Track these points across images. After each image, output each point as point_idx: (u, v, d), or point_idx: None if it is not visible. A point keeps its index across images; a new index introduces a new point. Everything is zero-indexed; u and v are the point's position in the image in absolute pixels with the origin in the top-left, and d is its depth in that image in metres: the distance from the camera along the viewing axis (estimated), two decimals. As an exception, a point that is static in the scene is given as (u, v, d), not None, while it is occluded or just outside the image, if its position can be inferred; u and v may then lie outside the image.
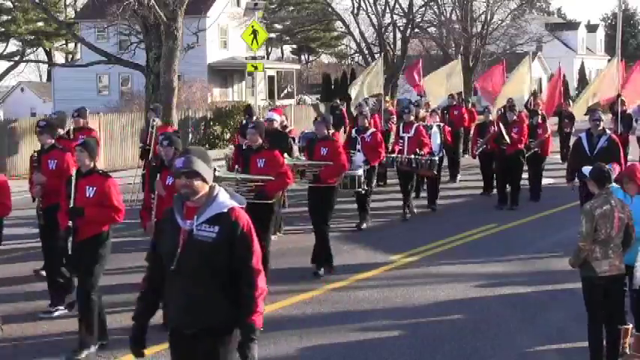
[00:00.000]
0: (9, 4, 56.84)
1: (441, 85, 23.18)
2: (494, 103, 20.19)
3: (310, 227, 13.83)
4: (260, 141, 9.78)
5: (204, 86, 40.20)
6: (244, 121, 16.05)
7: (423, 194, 16.93)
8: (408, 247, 12.54)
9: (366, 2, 43.35)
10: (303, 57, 72.83)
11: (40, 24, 57.83)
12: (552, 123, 22.76)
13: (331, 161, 10.97)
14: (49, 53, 62.52)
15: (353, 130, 14.99)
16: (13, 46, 62.33)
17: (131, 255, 11.90)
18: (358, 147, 14.19)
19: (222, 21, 40.10)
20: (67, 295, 9.32)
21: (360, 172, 13.70)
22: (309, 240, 13.13)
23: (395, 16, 43.88)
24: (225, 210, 4.84)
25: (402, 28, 43.78)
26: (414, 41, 47.56)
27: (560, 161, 22.16)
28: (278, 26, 57.02)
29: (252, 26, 24.43)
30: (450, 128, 18.72)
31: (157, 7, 24.51)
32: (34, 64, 68.49)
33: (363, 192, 13.94)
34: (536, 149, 17.08)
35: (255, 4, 26.17)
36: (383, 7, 43.51)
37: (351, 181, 13.53)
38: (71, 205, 7.75)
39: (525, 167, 16.96)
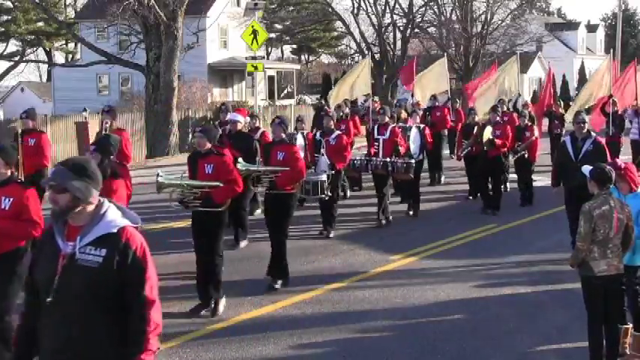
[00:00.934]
0: (9, 4, 56.88)
1: (428, 85, 23.00)
2: (474, 104, 19.98)
3: (307, 225, 13.94)
4: (209, 145, 9.21)
5: (204, 86, 40.23)
6: (221, 116, 15.19)
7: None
8: (408, 247, 12.54)
9: (366, 2, 43.41)
10: (303, 57, 72.85)
11: (40, 24, 57.92)
12: (544, 124, 22.69)
13: (288, 167, 10.27)
14: (49, 53, 62.57)
15: (317, 133, 14.29)
16: (13, 46, 62.51)
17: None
18: (322, 150, 13.50)
19: (222, 21, 40.14)
20: None
21: (324, 177, 12.81)
22: (306, 239, 13.16)
23: (395, 16, 43.97)
24: (115, 230, 4.11)
25: (402, 28, 43.84)
26: (414, 41, 47.60)
27: (551, 163, 22.04)
28: (278, 26, 57.00)
29: (252, 26, 24.47)
30: (430, 130, 17.83)
31: (157, 7, 24.55)
32: (34, 64, 68.57)
33: (326, 198, 12.99)
34: (523, 152, 16.53)
35: (255, 4, 26.20)
36: (383, 7, 43.58)
37: (314, 187, 12.70)
38: None
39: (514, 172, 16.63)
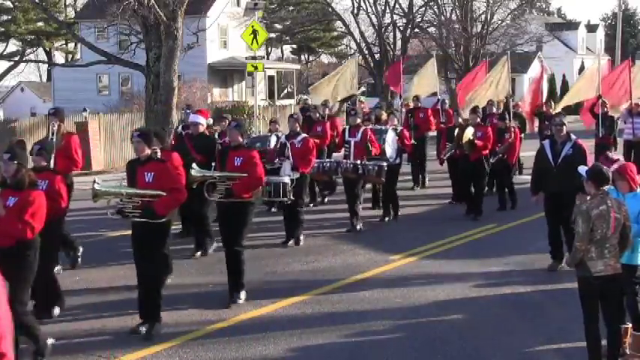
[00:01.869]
0: (9, 4, 56.92)
1: (421, 85, 22.81)
2: (462, 104, 19.77)
3: (310, 229, 13.93)
4: (148, 151, 8.42)
5: (204, 86, 40.27)
6: (183, 114, 14.71)
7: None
8: (408, 247, 12.55)
9: (366, 2, 43.37)
10: (303, 57, 72.83)
11: (40, 24, 57.94)
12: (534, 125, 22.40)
13: (246, 173, 9.57)
14: (49, 53, 62.59)
15: (282, 135, 13.66)
16: (13, 46, 62.51)
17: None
18: (288, 153, 12.86)
19: (222, 21, 40.11)
20: None
21: (287, 179, 12.27)
22: (309, 239, 13.16)
23: (395, 16, 43.92)
24: None
25: (402, 28, 43.81)
26: (413, 41, 47.60)
27: None
28: (278, 26, 56.98)
29: (252, 26, 24.44)
30: (414, 133, 17.54)
31: (156, 7, 24.52)
32: (34, 64, 68.57)
33: (288, 202, 12.42)
34: (500, 155, 15.84)
35: (255, 4, 26.18)
36: (383, 7, 43.53)
37: (275, 188, 12.17)
38: None
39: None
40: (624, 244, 7.13)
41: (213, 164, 10.09)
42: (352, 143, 13.81)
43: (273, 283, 10.59)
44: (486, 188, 16.57)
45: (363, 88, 43.86)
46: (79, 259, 11.37)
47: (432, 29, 46.83)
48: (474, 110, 15.85)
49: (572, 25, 71.53)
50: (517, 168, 18.09)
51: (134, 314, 8.62)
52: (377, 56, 42.92)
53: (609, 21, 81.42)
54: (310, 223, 14.08)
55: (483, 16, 46.33)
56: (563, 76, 55.50)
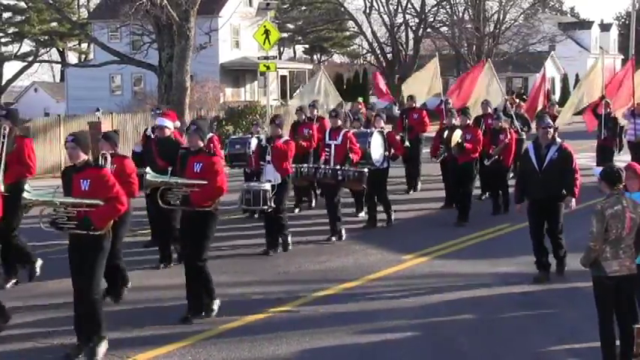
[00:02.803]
0: (23, 4, 57.15)
1: (423, 86, 22.52)
2: (457, 106, 19.52)
3: (320, 227, 13.92)
4: (83, 158, 7.65)
5: (216, 86, 40.33)
6: (152, 113, 14.05)
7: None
8: (420, 247, 12.53)
9: (379, 2, 43.45)
10: (315, 57, 72.88)
11: (54, 24, 58.17)
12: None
13: (205, 180, 8.82)
14: (62, 53, 62.84)
15: (263, 139, 12.80)
16: (27, 46, 62.78)
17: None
18: (268, 158, 12.10)
19: (234, 21, 40.24)
20: None
21: (268, 186, 11.75)
22: (321, 239, 13.16)
23: (407, 16, 43.99)
24: None
25: (414, 28, 43.84)
26: (426, 41, 47.58)
27: None
28: (290, 26, 57.12)
29: (265, 26, 24.47)
30: (403, 134, 16.92)
31: (169, 7, 24.62)
32: (48, 64, 68.78)
33: (269, 210, 11.89)
34: (495, 157, 15.33)
35: (268, 4, 26.25)
36: (395, 7, 43.59)
37: (255, 197, 11.72)
38: None
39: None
40: (640, 245, 7.10)
41: (169, 169, 9.15)
42: (333, 146, 13.13)
43: (285, 283, 10.60)
44: (486, 194, 16.54)
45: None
46: (37, 271, 10.56)
47: (444, 29, 46.83)
48: (465, 112, 15.39)
49: (586, 25, 71.29)
50: (514, 170, 17.77)
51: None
52: (389, 56, 42.93)
53: (623, 20, 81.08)
54: (323, 224, 14.06)
55: (496, 16, 46.27)
56: (577, 75, 55.30)
